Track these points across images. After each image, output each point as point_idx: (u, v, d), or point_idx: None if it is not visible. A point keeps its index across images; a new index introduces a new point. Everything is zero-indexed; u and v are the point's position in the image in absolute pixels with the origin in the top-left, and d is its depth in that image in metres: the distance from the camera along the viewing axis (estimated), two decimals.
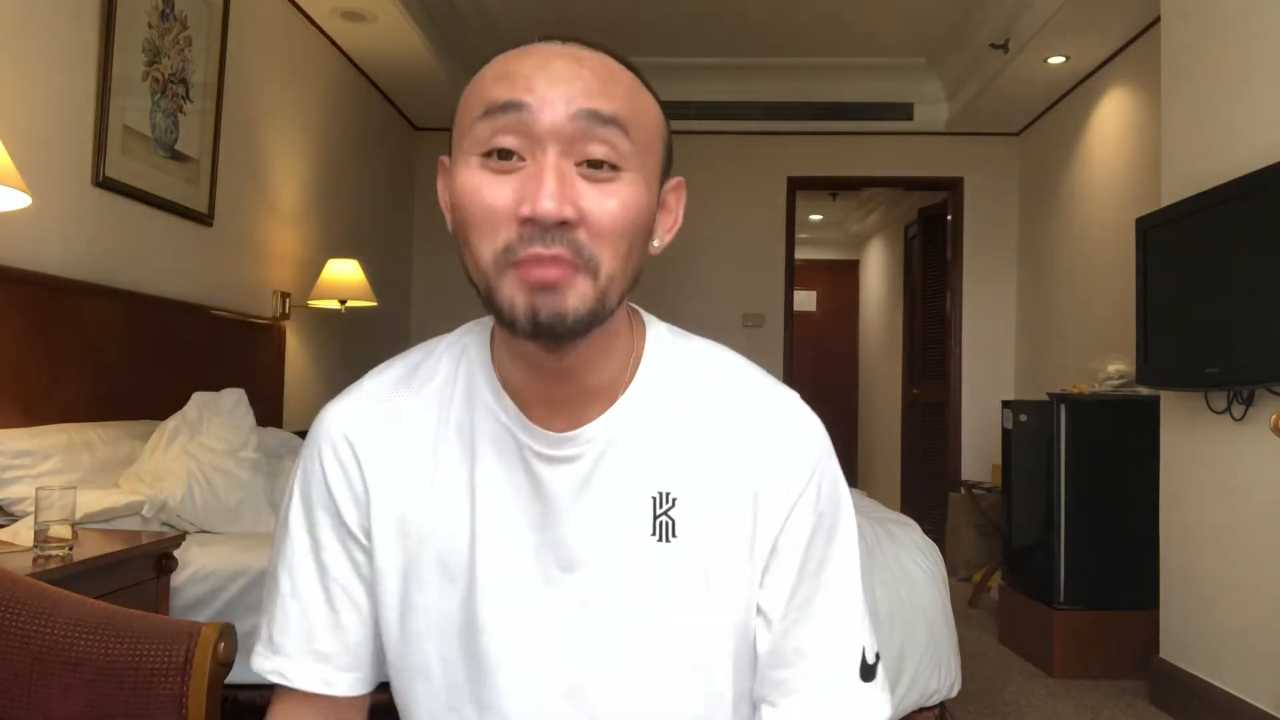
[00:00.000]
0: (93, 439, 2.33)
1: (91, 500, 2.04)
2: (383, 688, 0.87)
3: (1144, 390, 3.37)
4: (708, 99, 5.44)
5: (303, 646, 0.82)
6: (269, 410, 3.55)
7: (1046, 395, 3.71)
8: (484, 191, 0.69)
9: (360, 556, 0.82)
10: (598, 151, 0.69)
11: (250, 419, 2.69)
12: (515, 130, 0.69)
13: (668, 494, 0.78)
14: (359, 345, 4.68)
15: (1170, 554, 3.11)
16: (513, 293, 0.69)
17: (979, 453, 5.53)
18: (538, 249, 0.68)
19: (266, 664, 0.83)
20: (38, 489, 1.68)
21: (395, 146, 5.38)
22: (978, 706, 3.06)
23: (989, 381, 5.55)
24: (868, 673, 0.81)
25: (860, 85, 5.48)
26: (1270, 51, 2.62)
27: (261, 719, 0.83)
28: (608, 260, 0.70)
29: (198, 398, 2.59)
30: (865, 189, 6.61)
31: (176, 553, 1.96)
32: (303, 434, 3.25)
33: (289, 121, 3.96)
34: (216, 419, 2.57)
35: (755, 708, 0.82)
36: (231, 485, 2.45)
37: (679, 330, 0.85)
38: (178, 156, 3.04)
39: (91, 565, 1.65)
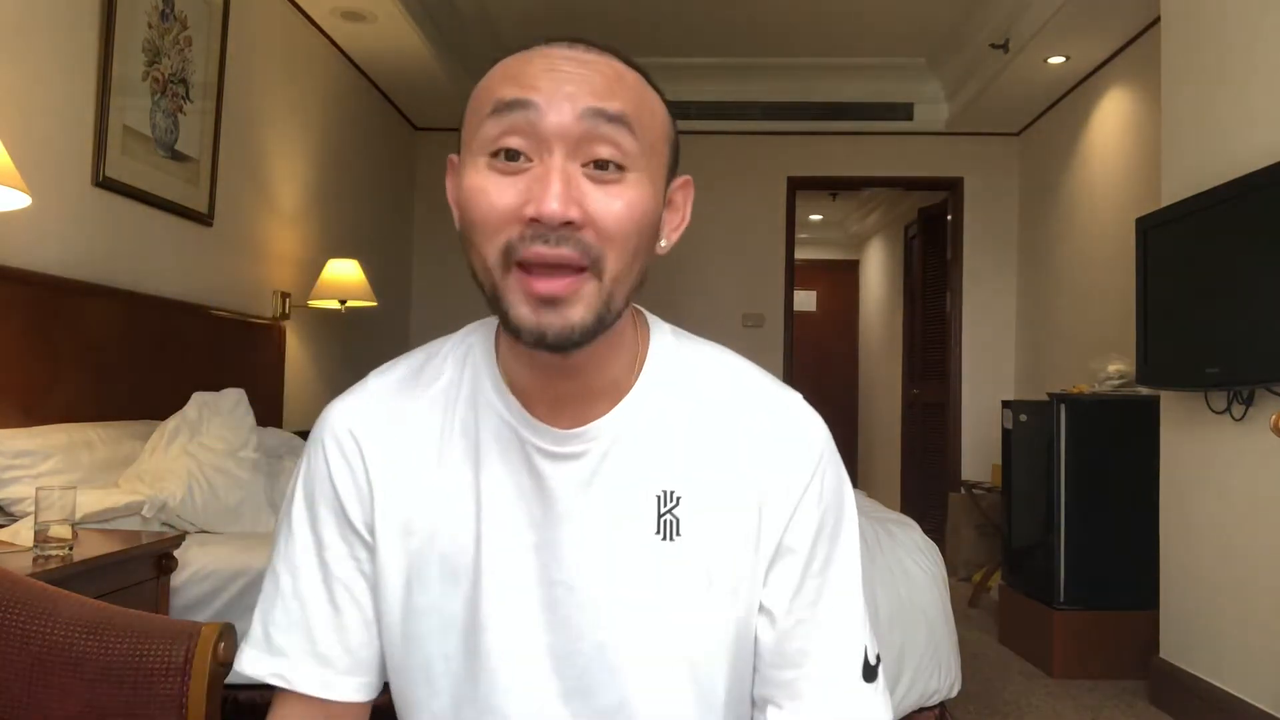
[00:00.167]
0: (93, 439, 2.33)
1: (91, 500, 2.04)
2: (384, 689, 0.86)
3: (1144, 390, 3.37)
4: (708, 99, 5.44)
5: (304, 648, 0.81)
6: (269, 410, 3.55)
7: (1046, 395, 3.71)
8: (490, 192, 0.70)
9: (363, 554, 0.81)
10: (603, 152, 0.70)
11: (250, 419, 2.69)
12: (522, 130, 0.69)
13: (672, 493, 0.78)
14: (359, 345, 4.68)
15: (1170, 554, 3.11)
16: (519, 304, 0.70)
17: (979, 453, 5.53)
18: (540, 248, 0.68)
19: (265, 666, 0.81)
20: (38, 489, 1.68)
21: (395, 146, 5.38)
22: (978, 706, 3.06)
23: (989, 381, 5.55)
24: (870, 673, 0.82)
25: (860, 85, 5.48)
26: (1270, 51, 2.62)
27: (261, 719, 0.83)
28: (613, 261, 0.70)
29: (198, 398, 2.59)
30: (865, 189, 6.61)
31: (176, 553, 1.96)
32: (303, 434, 3.25)
33: (289, 121, 3.96)
34: (216, 419, 2.57)
35: (759, 708, 0.82)
36: (231, 485, 2.45)
37: (682, 332, 0.86)
38: (178, 156, 3.04)
39: (91, 565, 1.65)
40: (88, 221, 2.63)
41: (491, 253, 0.70)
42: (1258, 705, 2.60)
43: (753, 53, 5.29)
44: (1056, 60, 4.41)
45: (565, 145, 0.69)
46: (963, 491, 5.22)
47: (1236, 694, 2.70)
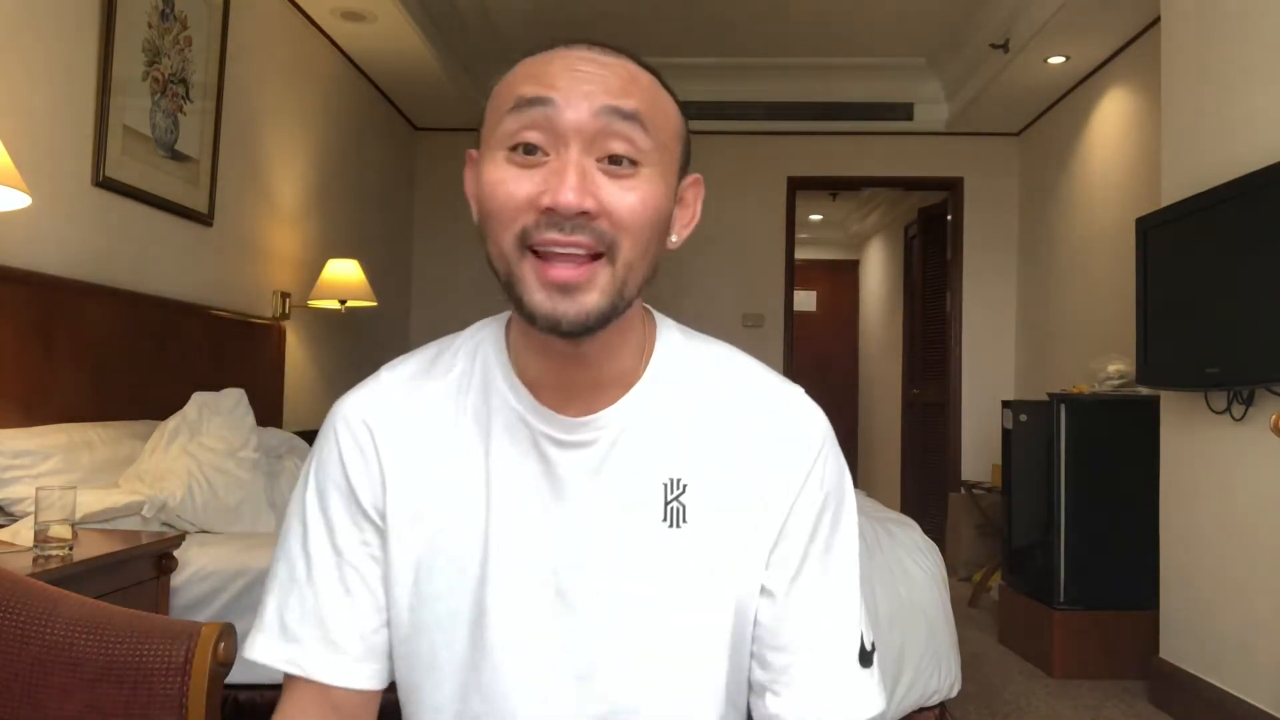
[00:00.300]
0: (93, 439, 2.33)
1: (91, 500, 2.04)
2: (389, 688, 0.87)
3: (1144, 390, 3.37)
4: (708, 99, 5.44)
5: (317, 635, 0.81)
6: (269, 410, 3.55)
7: (1046, 395, 3.71)
8: (508, 182, 0.73)
9: (375, 539, 0.82)
10: (618, 147, 0.72)
11: (250, 419, 2.69)
12: (540, 126, 0.72)
13: (678, 480, 0.81)
14: (359, 345, 4.68)
15: (1170, 554, 3.11)
16: (534, 290, 0.72)
17: (979, 453, 5.53)
18: (554, 234, 0.71)
19: (280, 653, 0.82)
20: (38, 489, 1.68)
21: (395, 146, 5.38)
22: (978, 706, 3.06)
23: (989, 381, 5.56)
24: (865, 659, 0.84)
25: (860, 85, 5.48)
26: (1270, 51, 2.62)
27: (261, 719, 0.83)
28: (627, 249, 0.73)
29: (198, 398, 2.59)
30: (865, 189, 6.61)
31: (176, 553, 1.96)
32: (303, 434, 3.26)
33: (289, 121, 3.96)
34: (216, 419, 2.57)
35: (756, 694, 0.84)
36: (231, 485, 2.45)
37: (689, 330, 0.88)
38: (178, 156, 3.04)
39: (91, 565, 1.65)
40: (88, 221, 2.63)
41: (507, 239, 0.73)
42: (1258, 705, 2.60)
43: (753, 53, 5.29)
44: (1056, 60, 4.41)
45: (581, 140, 0.72)
46: (963, 491, 5.22)
47: (1236, 694, 2.70)
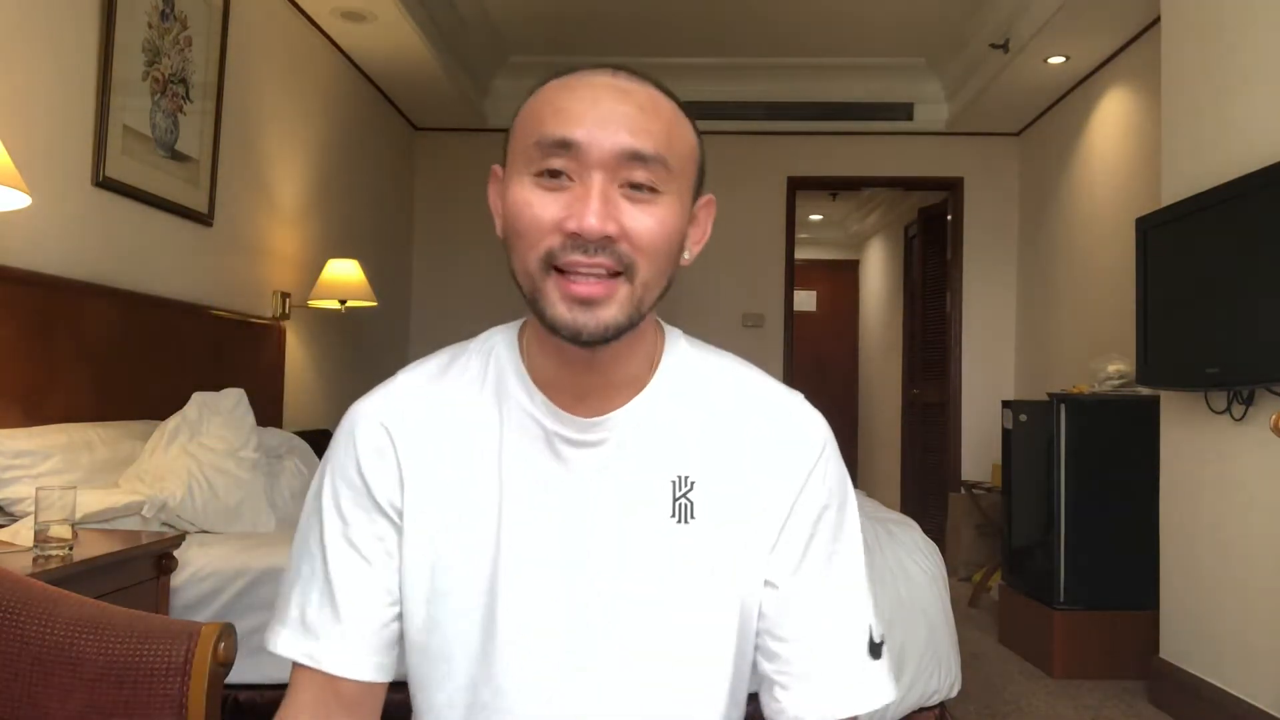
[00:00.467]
0: (93, 439, 2.33)
1: (91, 500, 2.04)
2: (392, 688, 0.87)
3: (1144, 390, 3.37)
4: (708, 99, 5.44)
5: (333, 629, 0.83)
6: (269, 410, 3.55)
7: (1046, 395, 3.71)
8: (534, 205, 0.77)
9: (390, 534, 0.85)
10: (639, 177, 0.77)
11: (250, 419, 2.69)
12: (565, 160, 0.77)
13: (686, 477, 0.84)
14: (359, 345, 4.68)
15: (1170, 554, 3.11)
16: (557, 303, 0.77)
17: (979, 453, 5.53)
18: (578, 256, 0.75)
19: (300, 647, 0.83)
20: (38, 489, 1.68)
21: (395, 146, 5.38)
22: (978, 706, 3.06)
23: (989, 381, 5.55)
24: (875, 651, 0.86)
25: (860, 85, 5.48)
26: (1270, 51, 2.62)
27: (262, 719, 0.83)
28: (644, 269, 0.78)
29: (198, 398, 2.59)
30: (865, 189, 6.60)
31: (176, 553, 1.96)
32: (303, 434, 3.26)
33: (289, 121, 3.96)
34: (216, 419, 2.57)
35: (766, 689, 0.86)
36: (231, 485, 2.45)
37: (696, 341, 0.92)
38: (178, 156, 3.04)
39: (91, 565, 1.65)
40: (88, 221, 2.63)
41: (533, 259, 0.77)
42: (1258, 705, 2.60)
43: (753, 53, 5.29)
44: (1056, 60, 4.41)
45: (605, 170, 0.76)
46: (963, 491, 5.22)
47: (1236, 694, 2.70)
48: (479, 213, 5.92)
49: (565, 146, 0.76)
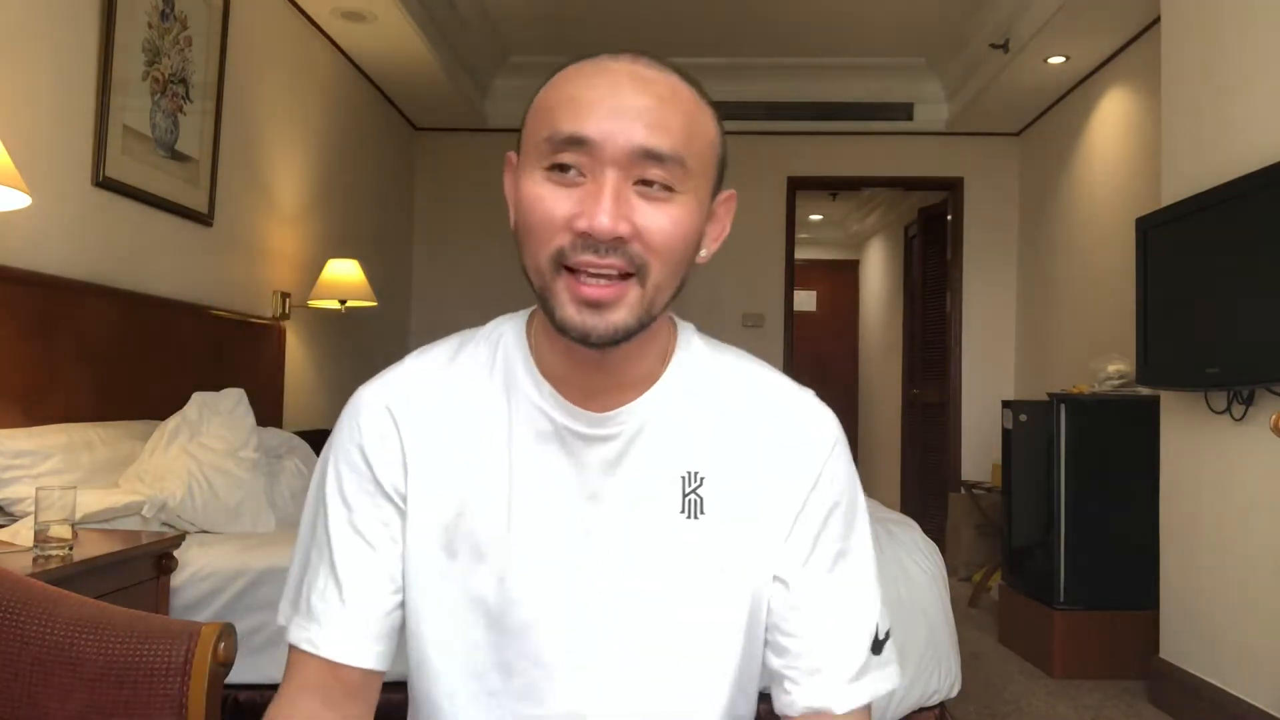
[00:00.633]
0: (93, 439, 2.33)
1: (91, 500, 2.04)
2: (389, 688, 0.87)
3: (1144, 390, 3.37)
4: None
5: (335, 614, 0.83)
6: (269, 410, 3.55)
7: (1046, 395, 3.71)
8: (546, 201, 0.75)
9: (394, 519, 0.84)
10: (654, 174, 0.74)
11: (250, 419, 2.69)
12: (577, 153, 0.74)
13: (696, 473, 0.83)
14: (359, 345, 4.68)
15: (1170, 554, 3.11)
16: (566, 304, 0.75)
17: (979, 453, 5.53)
18: (590, 256, 0.73)
19: (302, 633, 0.83)
20: (38, 489, 1.68)
21: (395, 146, 5.38)
22: (978, 706, 3.06)
23: (989, 381, 5.55)
24: (878, 647, 0.86)
25: (860, 85, 5.48)
26: (1270, 51, 2.62)
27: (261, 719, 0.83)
28: (657, 270, 0.76)
29: (198, 398, 2.59)
30: (865, 189, 6.60)
31: (176, 553, 1.96)
32: (303, 434, 3.25)
33: (289, 121, 3.96)
34: (216, 419, 2.57)
35: (775, 684, 0.86)
36: (231, 485, 2.45)
37: (710, 338, 0.91)
38: (178, 156, 3.04)
39: (91, 565, 1.65)
40: (88, 221, 2.63)
41: (544, 257, 0.75)
42: (1258, 705, 2.60)
43: (753, 53, 5.29)
44: (1056, 60, 4.41)
45: (618, 168, 0.74)
46: (963, 491, 5.22)
47: (1236, 694, 2.70)
48: (479, 212, 5.90)
49: (578, 143, 0.73)
